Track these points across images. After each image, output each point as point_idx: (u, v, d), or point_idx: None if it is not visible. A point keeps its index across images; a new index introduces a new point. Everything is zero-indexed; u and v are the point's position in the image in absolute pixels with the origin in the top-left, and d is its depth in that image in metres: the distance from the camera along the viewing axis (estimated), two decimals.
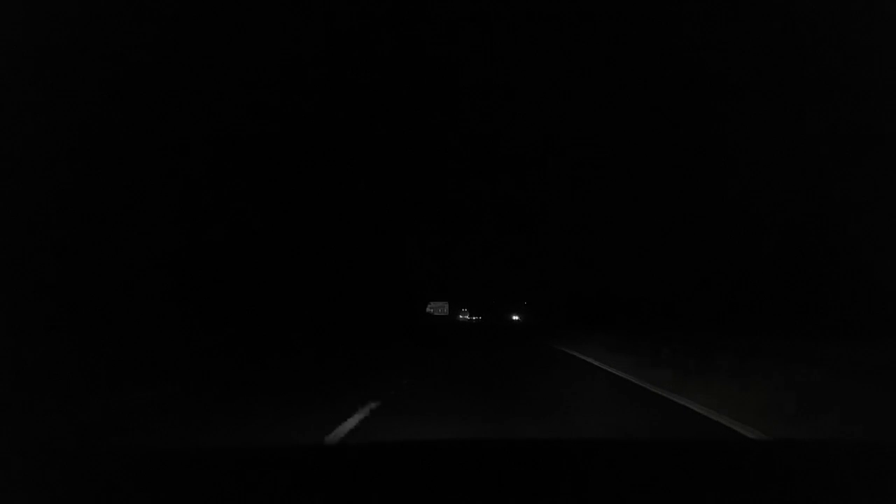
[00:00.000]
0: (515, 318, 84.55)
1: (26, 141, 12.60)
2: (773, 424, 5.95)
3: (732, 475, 1.83)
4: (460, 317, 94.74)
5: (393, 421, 6.10)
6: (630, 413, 7.21)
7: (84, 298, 13.41)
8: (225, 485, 1.65)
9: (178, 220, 17.93)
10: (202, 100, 19.24)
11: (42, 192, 12.95)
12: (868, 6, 19.98)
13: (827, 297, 21.86)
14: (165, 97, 17.50)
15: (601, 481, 1.75)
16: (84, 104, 14.51)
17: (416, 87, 46.30)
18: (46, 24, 13.04)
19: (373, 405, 7.00)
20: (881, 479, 1.71)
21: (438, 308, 78.51)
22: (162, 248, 16.98)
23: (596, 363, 13.56)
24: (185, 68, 18.48)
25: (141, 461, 1.91)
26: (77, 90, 14.27)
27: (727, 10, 27.70)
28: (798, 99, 24.90)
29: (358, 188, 39.15)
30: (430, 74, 44.95)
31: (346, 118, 35.88)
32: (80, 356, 10.53)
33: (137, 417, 6.41)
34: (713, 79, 29.34)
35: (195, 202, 19.03)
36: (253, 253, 23.10)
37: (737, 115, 27.33)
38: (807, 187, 23.96)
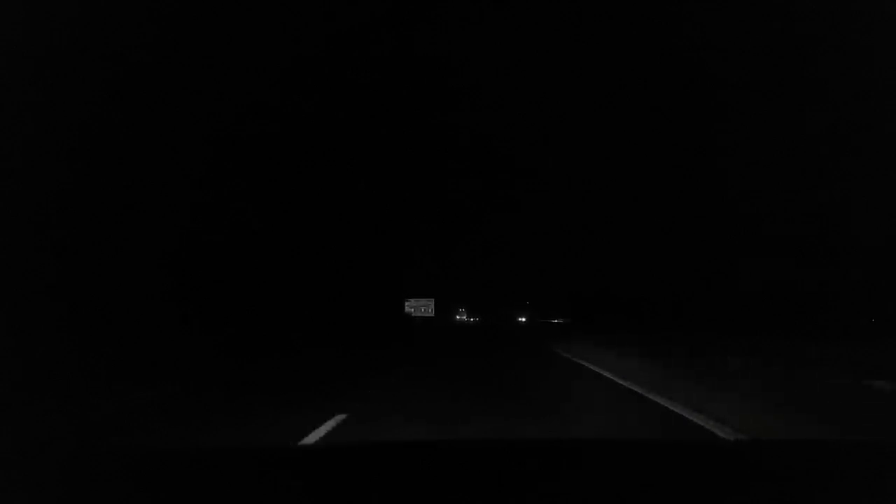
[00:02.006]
0: (521, 319, 75.92)
1: (26, 141, 12.61)
2: (774, 430, 5.96)
3: (730, 476, 1.83)
4: (457, 317, 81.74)
5: (393, 422, 6.10)
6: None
7: (84, 298, 13.41)
8: (225, 485, 1.65)
9: (178, 220, 17.93)
10: (202, 100, 19.25)
11: (42, 192, 12.96)
12: (868, 6, 20.00)
13: (826, 297, 21.89)
14: (165, 97, 17.52)
15: (600, 481, 1.75)
16: (84, 104, 14.52)
17: (416, 88, 46.38)
18: (47, 25, 13.05)
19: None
20: (879, 479, 1.71)
21: (421, 307, 56.67)
22: (162, 248, 16.99)
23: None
24: (185, 68, 18.49)
25: (141, 461, 1.90)
26: (77, 90, 14.28)
27: (727, 11, 27.74)
28: (798, 99, 24.93)
29: (357, 187, 39.16)
30: (431, 74, 45.02)
31: (346, 118, 35.93)
32: (80, 356, 10.53)
33: (137, 417, 6.41)
34: (713, 79, 29.38)
35: (195, 202, 19.04)
36: (252, 253, 23.12)
37: (737, 115, 27.37)
38: (807, 187, 23.98)
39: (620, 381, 9.38)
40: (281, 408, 6.91)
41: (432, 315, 57.35)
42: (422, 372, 11.52)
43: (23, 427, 5.68)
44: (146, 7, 16.63)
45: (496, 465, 1.95)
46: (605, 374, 10.62)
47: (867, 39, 20.08)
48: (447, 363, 14.09)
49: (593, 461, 2.01)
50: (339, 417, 6.00)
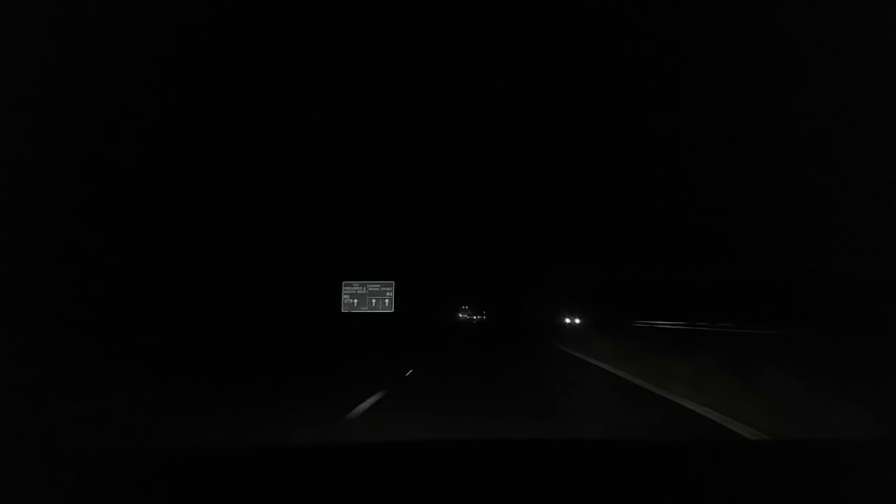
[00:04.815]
0: (575, 321, 45.07)
1: (27, 142, 12.63)
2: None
3: (733, 476, 1.83)
4: (460, 316, 71.66)
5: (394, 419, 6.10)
6: None
7: (84, 299, 13.42)
8: (225, 485, 1.65)
9: (177, 222, 17.96)
10: (187, 109, 19.32)
11: (43, 193, 12.97)
12: (867, 6, 20.00)
13: (825, 296, 21.86)
14: (164, 103, 17.56)
15: (601, 482, 1.74)
16: (85, 105, 14.54)
17: (418, 87, 46.39)
18: (48, 28, 13.07)
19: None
20: (882, 478, 1.71)
21: (370, 298, 31.87)
22: (162, 249, 17.00)
23: None
24: (187, 72, 18.55)
25: (141, 461, 1.90)
26: (79, 94, 14.30)
27: (726, 10, 27.77)
28: (797, 98, 24.94)
29: (354, 185, 39.15)
30: (431, 72, 45.05)
31: (338, 116, 35.97)
32: (80, 356, 10.52)
33: (137, 417, 6.41)
34: (713, 79, 29.42)
35: (194, 205, 19.05)
36: (248, 254, 23.11)
37: (736, 115, 27.39)
38: (807, 187, 23.98)
39: None
40: (281, 402, 6.88)
41: (391, 310, 32.16)
42: None
43: (23, 427, 5.67)
44: (145, 11, 16.66)
45: (501, 466, 1.94)
46: None
47: (867, 39, 20.09)
48: None
49: (611, 461, 2.00)
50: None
